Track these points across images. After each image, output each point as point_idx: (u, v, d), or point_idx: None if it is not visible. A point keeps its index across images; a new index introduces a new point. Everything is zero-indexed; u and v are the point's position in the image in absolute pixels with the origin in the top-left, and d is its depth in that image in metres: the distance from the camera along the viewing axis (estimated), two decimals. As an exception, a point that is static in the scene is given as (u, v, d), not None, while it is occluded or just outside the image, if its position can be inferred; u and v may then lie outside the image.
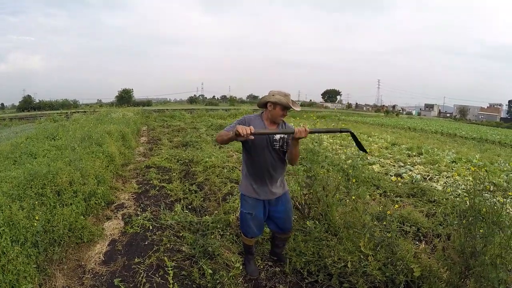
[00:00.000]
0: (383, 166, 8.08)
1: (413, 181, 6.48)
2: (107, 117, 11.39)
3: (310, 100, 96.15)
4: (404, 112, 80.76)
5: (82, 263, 3.12)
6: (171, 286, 2.71)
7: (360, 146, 2.72)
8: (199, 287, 2.80)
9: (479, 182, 2.54)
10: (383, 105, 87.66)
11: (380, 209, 3.73)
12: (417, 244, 3.60)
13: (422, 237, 3.86)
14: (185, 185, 5.49)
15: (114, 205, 4.62)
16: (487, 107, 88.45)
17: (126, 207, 4.57)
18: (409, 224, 4.10)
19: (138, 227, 3.89)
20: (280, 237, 3.09)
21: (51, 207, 3.25)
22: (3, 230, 2.54)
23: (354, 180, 3.55)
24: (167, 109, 28.52)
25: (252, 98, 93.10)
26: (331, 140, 11.53)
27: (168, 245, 3.44)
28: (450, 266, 2.59)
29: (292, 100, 2.59)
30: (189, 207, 4.60)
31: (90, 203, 3.97)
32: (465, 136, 21.18)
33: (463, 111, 76.87)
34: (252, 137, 2.31)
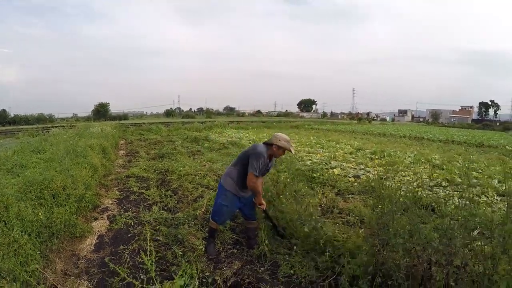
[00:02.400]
0: (343, 169, 8.66)
1: (369, 181, 7.13)
2: (87, 132, 11.84)
3: (286, 110, 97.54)
4: (378, 119, 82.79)
5: (76, 252, 3.82)
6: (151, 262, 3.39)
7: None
8: (172, 265, 3.55)
9: (384, 173, 3.42)
10: (358, 113, 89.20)
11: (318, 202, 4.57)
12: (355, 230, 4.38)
13: (362, 225, 4.65)
14: (162, 191, 6.20)
15: (100, 208, 5.32)
16: (459, 109, 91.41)
17: (110, 210, 5.28)
18: (353, 215, 4.95)
19: (121, 224, 4.61)
20: (250, 227, 3.94)
21: (49, 207, 3.91)
22: (15, 222, 3.21)
23: (292, 178, 4.35)
24: (143, 123, 28.72)
25: (229, 110, 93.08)
26: (299, 148, 12.45)
27: (147, 236, 4.12)
28: (367, 239, 3.40)
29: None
30: (165, 208, 5.34)
31: (80, 205, 4.64)
32: (432, 139, 22.24)
33: (435, 115, 79.26)
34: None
